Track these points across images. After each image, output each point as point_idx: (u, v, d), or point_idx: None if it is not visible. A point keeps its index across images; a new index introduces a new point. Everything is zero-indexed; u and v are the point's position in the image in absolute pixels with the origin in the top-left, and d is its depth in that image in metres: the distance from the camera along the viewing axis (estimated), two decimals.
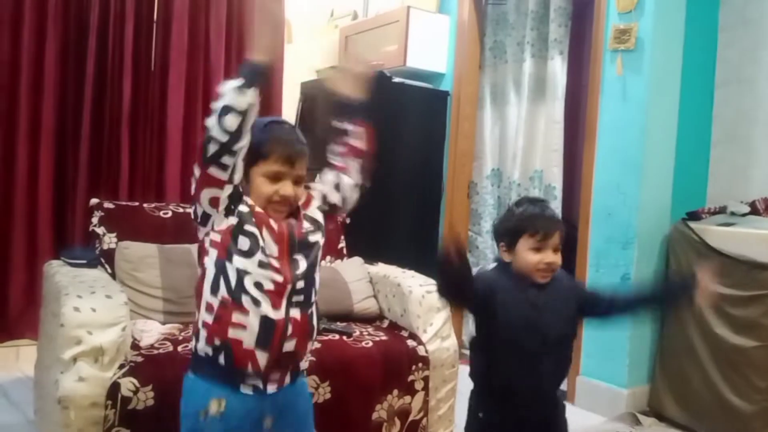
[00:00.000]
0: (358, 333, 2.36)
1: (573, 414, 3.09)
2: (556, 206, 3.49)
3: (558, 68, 3.47)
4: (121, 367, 1.82)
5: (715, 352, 2.79)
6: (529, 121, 3.64)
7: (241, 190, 1.40)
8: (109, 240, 2.46)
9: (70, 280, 2.05)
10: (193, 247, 2.50)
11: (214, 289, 1.39)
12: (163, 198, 3.68)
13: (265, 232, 1.39)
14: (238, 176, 1.38)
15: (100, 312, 1.81)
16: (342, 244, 2.97)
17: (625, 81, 3.04)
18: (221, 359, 1.38)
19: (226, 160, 1.35)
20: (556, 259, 1.60)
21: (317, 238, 1.51)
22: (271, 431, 1.44)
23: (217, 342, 1.38)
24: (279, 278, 1.39)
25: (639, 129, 2.99)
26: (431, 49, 3.93)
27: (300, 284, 1.43)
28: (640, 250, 3.00)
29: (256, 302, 1.37)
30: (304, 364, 1.53)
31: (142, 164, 3.68)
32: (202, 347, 1.41)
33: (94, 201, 2.57)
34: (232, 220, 1.39)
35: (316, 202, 1.57)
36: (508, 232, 1.67)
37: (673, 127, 3.11)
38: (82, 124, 3.50)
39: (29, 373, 2.82)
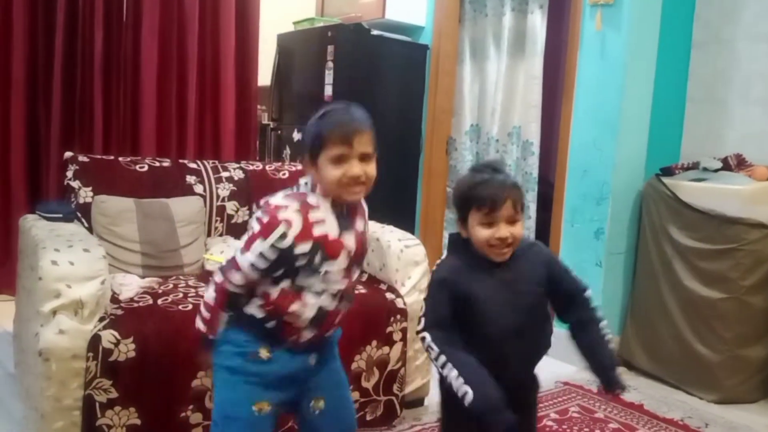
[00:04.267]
0: None
1: (547, 364, 3.18)
2: (533, 162, 3.53)
3: (538, 22, 3.45)
4: (102, 319, 1.82)
5: (684, 304, 2.88)
6: (508, 77, 3.63)
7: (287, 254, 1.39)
8: (85, 194, 2.43)
9: (46, 233, 2.03)
10: (171, 201, 2.49)
11: (279, 280, 1.42)
12: (139, 151, 3.64)
13: (342, 252, 1.43)
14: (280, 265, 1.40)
15: (79, 265, 1.80)
16: None
17: (603, 37, 3.04)
18: (270, 325, 1.44)
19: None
20: (513, 231, 1.41)
21: (366, 234, 1.57)
22: (315, 367, 1.52)
23: (270, 315, 1.44)
24: (340, 286, 1.46)
25: (616, 86, 3.00)
26: (410, 1, 3.88)
27: (353, 286, 1.53)
28: (614, 205, 3.05)
29: (318, 295, 1.43)
30: None
31: (117, 117, 3.62)
32: (253, 310, 1.44)
33: (68, 154, 2.53)
34: (299, 263, 1.39)
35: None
36: (457, 205, 1.48)
37: (649, 84, 3.13)
38: (53, 77, 3.42)
39: (7, 327, 2.81)
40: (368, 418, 2.31)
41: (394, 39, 3.79)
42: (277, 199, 1.39)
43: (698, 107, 3.29)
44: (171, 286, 2.24)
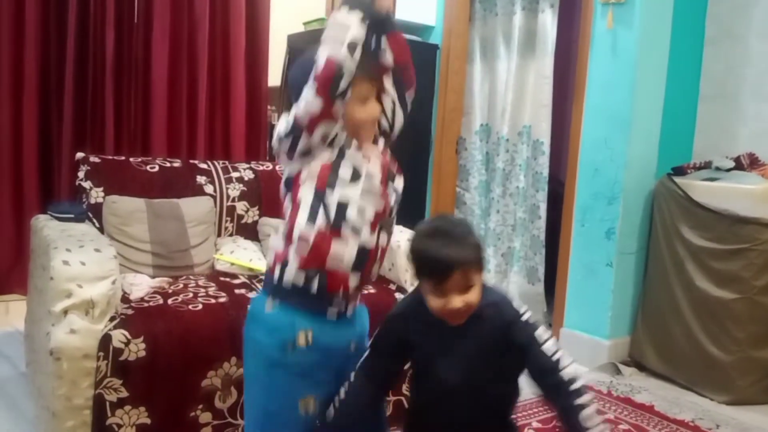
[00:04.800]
0: None
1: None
2: (544, 162, 3.51)
3: (548, 21, 3.43)
4: (112, 319, 1.83)
5: (696, 305, 2.86)
6: (518, 76, 3.62)
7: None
8: (96, 194, 2.45)
9: (58, 234, 2.05)
10: (181, 201, 2.50)
11: (311, 219, 1.37)
12: (149, 151, 3.65)
13: (369, 162, 1.41)
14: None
15: (90, 265, 1.81)
16: None
17: (615, 35, 3.02)
18: (314, 286, 1.37)
19: (347, 93, 1.37)
20: (467, 298, 1.31)
21: (394, 164, 1.52)
22: (355, 354, 1.47)
23: (311, 270, 1.37)
24: (380, 206, 1.41)
25: (628, 84, 2.99)
26: (420, 1, 3.87)
27: (391, 214, 1.47)
28: (625, 205, 3.03)
29: (356, 231, 1.37)
30: None
31: (128, 118, 3.63)
32: (291, 277, 1.38)
33: (80, 155, 2.54)
34: (333, 153, 1.39)
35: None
36: (411, 266, 1.38)
37: (661, 82, 3.11)
38: (65, 78, 3.44)
39: (19, 327, 2.84)
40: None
41: None
42: None
43: (710, 105, 3.27)
44: (181, 286, 2.25)
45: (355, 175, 1.38)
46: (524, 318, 1.37)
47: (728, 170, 2.95)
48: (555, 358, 1.32)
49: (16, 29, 3.33)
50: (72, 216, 2.32)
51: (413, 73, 1.55)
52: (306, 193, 1.39)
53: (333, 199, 1.36)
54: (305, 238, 1.36)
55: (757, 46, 3.09)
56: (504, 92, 3.70)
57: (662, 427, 2.46)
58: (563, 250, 3.27)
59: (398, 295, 2.39)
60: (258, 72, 4.11)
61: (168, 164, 2.64)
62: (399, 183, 1.51)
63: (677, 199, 2.94)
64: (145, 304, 2.01)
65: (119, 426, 1.81)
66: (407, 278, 2.44)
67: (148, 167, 2.58)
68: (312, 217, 1.37)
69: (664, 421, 2.52)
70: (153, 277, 2.30)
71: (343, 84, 1.33)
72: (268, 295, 1.42)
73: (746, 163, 2.97)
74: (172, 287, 2.22)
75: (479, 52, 3.88)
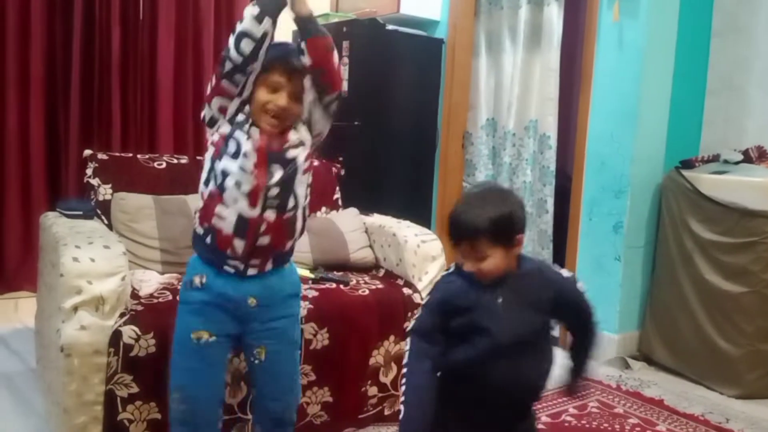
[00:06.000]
0: (354, 282, 2.39)
1: (565, 359, 3.17)
2: (550, 156, 3.50)
3: (554, 15, 3.42)
4: (122, 315, 1.84)
5: (705, 298, 2.85)
6: (524, 70, 3.60)
7: (247, 104, 1.58)
8: (104, 191, 2.46)
9: (67, 230, 2.05)
10: (189, 198, 2.51)
11: (207, 182, 1.59)
12: (156, 148, 3.66)
13: (248, 141, 1.55)
14: (247, 92, 1.56)
15: (99, 262, 1.82)
16: (337, 195, 2.97)
17: (621, 28, 3.01)
18: (208, 240, 1.59)
19: (238, 78, 1.53)
20: (481, 266, 1.38)
21: (297, 153, 1.62)
22: (257, 310, 1.63)
23: (205, 225, 1.60)
24: (254, 182, 1.55)
25: (635, 77, 2.97)
26: None
27: (274, 191, 1.57)
28: (633, 198, 3.02)
29: (235, 199, 1.55)
30: (290, 257, 1.72)
31: (134, 115, 3.64)
32: (197, 227, 1.63)
33: (87, 152, 2.55)
34: (229, 127, 1.58)
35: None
36: None
37: (668, 75, 3.09)
38: (71, 76, 3.45)
39: (29, 323, 2.85)
40: (386, 412, 2.31)
41: (409, 33, 3.78)
42: None
43: (718, 98, 3.25)
44: None
45: (236, 152, 1.55)
46: (566, 275, 1.53)
47: (736, 163, 2.94)
48: (590, 304, 1.53)
49: (23, 28, 3.35)
50: (80, 213, 2.33)
51: (335, 77, 1.62)
52: (207, 159, 1.61)
53: (219, 167, 1.57)
54: (201, 196, 1.61)
55: (764, 39, 3.07)
56: (510, 86, 3.69)
57: (672, 421, 2.46)
58: (571, 245, 3.26)
59: (406, 291, 2.39)
60: None
61: (175, 161, 2.64)
62: (292, 163, 1.60)
63: (685, 192, 2.93)
64: (155, 300, 2.01)
65: (130, 421, 1.82)
66: (414, 273, 2.44)
67: (155, 164, 2.58)
68: (206, 180, 1.60)
69: (673, 415, 2.52)
70: (162, 273, 2.31)
71: (226, 66, 1.51)
72: (192, 245, 1.68)
73: (755, 156, 2.96)
74: (180, 283, 2.22)
75: (485, 46, 3.87)
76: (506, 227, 1.39)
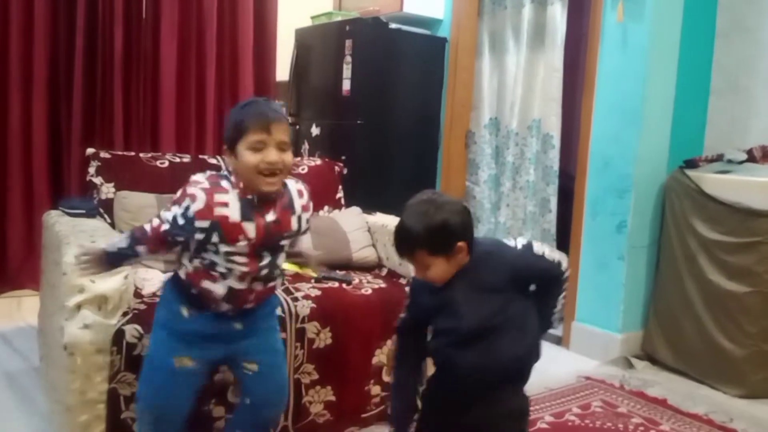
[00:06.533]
0: (357, 281, 2.39)
1: (567, 358, 3.19)
2: (554, 156, 3.49)
3: (558, 14, 3.41)
4: (125, 314, 1.84)
5: (709, 298, 2.84)
6: (527, 70, 3.60)
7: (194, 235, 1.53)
8: (107, 190, 2.46)
9: (70, 229, 2.05)
10: None
11: (190, 260, 1.57)
12: (159, 147, 3.66)
13: (240, 238, 1.52)
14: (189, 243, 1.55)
15: None
16: (340, 195, 2.97)
17: (625, 28, 3.00)
18: (194, 291, 1.59)
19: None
20: (428, 274, 1.45)
21: (286, 242, 1.64)
22: (243, 332, 1.65)
23: (191, 282, 1.58)
24: (245, 269, 1.56)
25: (639, 77, 2.96)
26: None
27: (264, 272, 1.60)
28: (637, 198, 3.01)
29: (224, 276, 1.55)
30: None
31: (137, 113, 3.65)
32: (181, 274, 1.61)
33: (90, 151, 2.55)
34: (198, 236, 1.52)
35: (307, 215, 1.67)
36: None
37: (672, 75, 3.08)
38: (74, 75, 3.45)
39: (32, 322, 2.85)
40: (390, 411, 2.30)
41: (412, 32, 3.78)
42: (197, 175, 1.53)
43: (722, 98, 3.24)
44: None
45: (216, 252, 1.53)
46: (519, 248, 1.49)
47: (740, 163, 2.93)
48: (555, 259, 1.50)
49: (26, 26, 3.35)
50: (83, 211, 2.33)
51: None
52: (184, 257, 1.60)
53: (204, 259, 1.55)
54: (183, 267, 1.59)
55: None
56: (513, 86, 3.69)
57: (675, 421, 2.45)
58: (574, 244, 3.26)
59: (408, 290, 2.39)
60: (266, 67, 4.12)
61: (177, 159, 2.64)
62: (281, 249, 1.63)
63: (689, 192, 2.92)
64: (157, 299, 2.01)
65: (133, 420, 1.81)
66: None
67: (158, 162, 2.58)
68: (190, 258, 1.57)
69: (677, 414, 2.51)
70: (165, 272, 2.30)
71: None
72: (173, 278, 1.65)
73: (759, 156, 2.94)
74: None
75: (488, 46, 3.86)
76: (441, 238, 1.40)
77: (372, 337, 2.25)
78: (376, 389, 2.27)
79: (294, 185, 1.65)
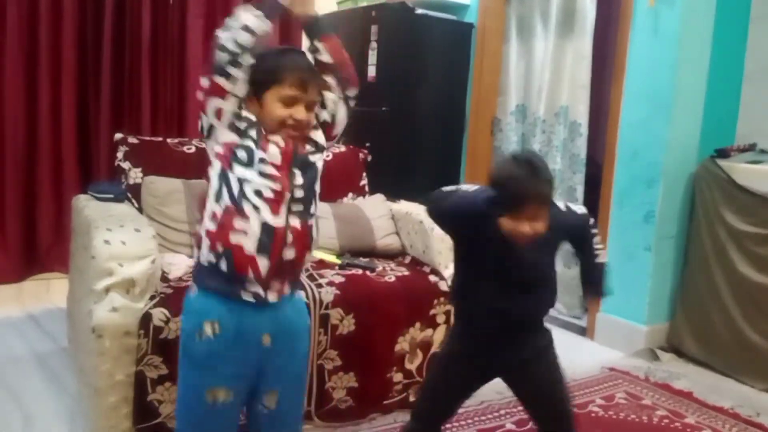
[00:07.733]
0: (380, 268, 2.39)
1: (592, 349, 3.16)
2: (581, 144, 3.45)
3: (587, 0, 3.35)
4: (152, 298, 1.86)
5: (737, 290, 2.80)
6: (556, 56, 3.55)
7: (242, 105, 1.45)
8: (135, 175, 2.48)
9: (99, 213, 2.08)
10: None
11: (218, 198, 1.43)
12: (185, 132, 3.69)
13: (270, 145, 1.44)
14: (240, 90, 1.42)
15: (130, 245, 1.84)
16: (364, 182, 2.96)
17: (657, 13, 2.94)
18: (223, 265, 1.40)
19: (233, 71, 1.39)
20: (535, 227, 1.48)
21: (316, 159, 1.54)
22: (270, 348, 1.46)
23: (219, 248, 1.40)
24: (278, 187, 1.43)
25: (670, 64, 2.90)
26: None
27: (298, 194, 1.46)
28: (665, 188, 2.96)
29: (257, 208, 1.41)
30: (301, 276, 1.63)
31: (164, 98, 3.67)
32: (205, 256, 1.43)
33: (118, 136, 2.58)
34: (234, 136, 1.44)
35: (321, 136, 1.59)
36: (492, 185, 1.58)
37: (705, 61, 3.01)
38: (102, 59, 3.48)
39: (60, 304, 2.91)
40: (411, 399, 2.31)
41: (438, 17, 3.74)
42: None
43: (756, 85, 3.16)
44: None
45: (250, 160, 1.42)
46: (580, 213, 1.70)
47: None
48: (598, 247, 1.73)
49: (55, 13, 3.38)
50: (112, 196, 2.36)
51: (353, 72, 1.58)
52: (214, 176, 1.45)
53: (233, 177, 1.42)
54: (213, 216, 1.42)
55: None
56: (540, 72, 3.64)
57: (700, 414, 2.42)
58: (600, 234, 3.21)
59: (432, 278, 2.38)
60: None
61: (204, 145, 2.65)
62: (312, 167, 1.51)
63: (720, 182, 2.86)
64: (184, 284, 2.03)
65: (159, 402, 1.85)
66: (441, 261, 2.43)
67: (185, 148, 2.60)
68: (218, 196, 1.43)
69: (702, 407, 2.48)
70: (191, 257, 2.33)
71: (222, 57, 1.38)
72: (194, 280, 1.48)
73: None
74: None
75: (515, 31, 3.81)
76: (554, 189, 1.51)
77: (395, 324, 2.25)
78: (398, 377, 2.28)
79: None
